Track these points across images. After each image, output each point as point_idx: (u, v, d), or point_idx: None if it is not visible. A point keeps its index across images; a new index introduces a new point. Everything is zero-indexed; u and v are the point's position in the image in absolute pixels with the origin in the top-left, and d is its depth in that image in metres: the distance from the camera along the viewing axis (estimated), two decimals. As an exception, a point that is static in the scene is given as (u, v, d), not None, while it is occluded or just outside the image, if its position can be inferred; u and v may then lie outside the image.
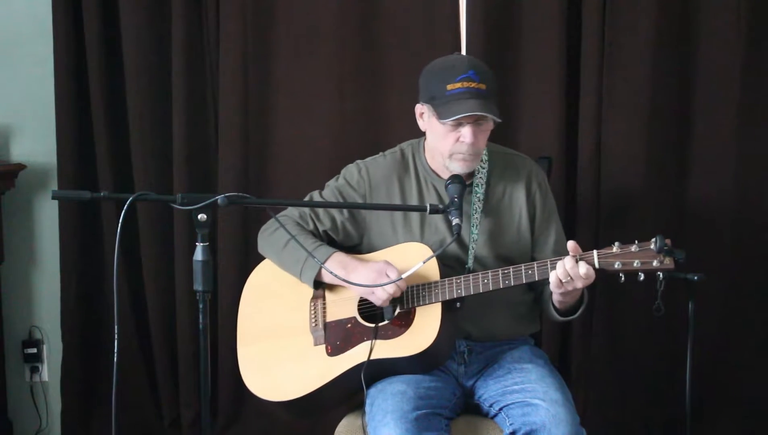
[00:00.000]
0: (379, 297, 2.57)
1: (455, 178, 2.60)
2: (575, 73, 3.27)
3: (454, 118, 2.52)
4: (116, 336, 2.32)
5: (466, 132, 2.55)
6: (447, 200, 2.58)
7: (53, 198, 2.43)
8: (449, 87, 2.54)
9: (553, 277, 2.45)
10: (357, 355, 2.58)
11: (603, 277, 2.48)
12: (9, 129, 3.64)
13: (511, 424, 2.48)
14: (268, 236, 2.78)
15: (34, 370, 3.76)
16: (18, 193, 3.62)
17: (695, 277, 2.67)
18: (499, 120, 2.56)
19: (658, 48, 3.23)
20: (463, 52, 3.33)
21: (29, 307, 3.76)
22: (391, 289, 2.54)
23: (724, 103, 3.24)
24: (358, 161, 2.80)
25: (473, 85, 2.54)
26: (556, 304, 2.61)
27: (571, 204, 3.32)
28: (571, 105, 3.30)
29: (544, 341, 3.19)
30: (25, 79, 3.64)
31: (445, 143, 2.59)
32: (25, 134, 3.66)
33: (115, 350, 2.31)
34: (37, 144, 3.65)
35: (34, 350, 3.75)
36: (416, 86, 2.67)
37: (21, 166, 3.59)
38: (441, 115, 2.55)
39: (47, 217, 3.70)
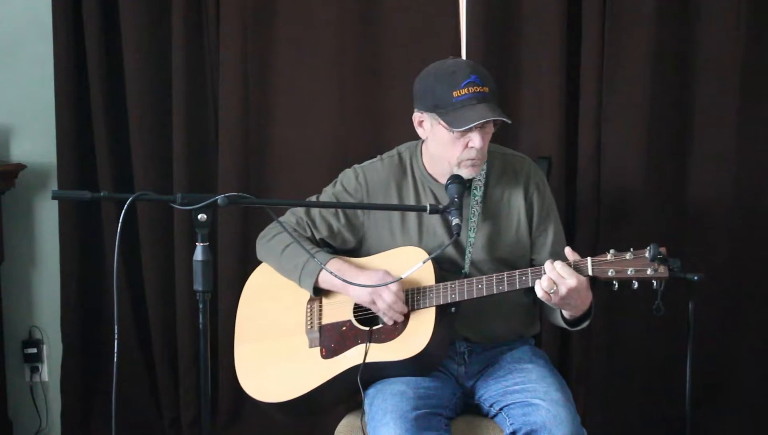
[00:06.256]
0: (381, 308, 2.55)
1: (455, 178, 2.56)
2: (575, 74, 3.27)
3: (470, 126, 2.46)
4: (116, 336, 2.32)
5: (475, 138, 2.51)
6: (445, 203, 2.53)
7: (53, 198, 2.44)
8: (455, 93, 2.47)
9: (539, 291, 2.40)
10: (351, 358, 2.57)
11: (598, 284, 2.46)
12: (9, 129, 3.64)
13: (511, 424, 2.48)
14: (266, 243, 2.77)
15: (34, 370, 3.76)
16: (18, 193, 3.62)
17: (695, 277, 2.65)
18: (510, 122, 2.51)
19: (658, 48, 3.23)
20: (463, 52, 3.33)
21: (29, 307, 3.76)
22: (391, 299, 2.52)
23: (724, 103, 3.24)
24: (356, 166, 2.77)
25: (479, 89, 2.48)
26: (564, 314, 2.58)
27: (571, 204, 3.32)
28: (571, 105, 3.29)
29: (544, 341, 3.19)
30: (25, 79, 3.64)
31: (453, 151, 2.54)
32: (25, 134, 3.66)
33: (115, 350, 2.31)
34: (37, 144, 3.65)
35: (34, 350, 3.74)
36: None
37: (21, 166, 3.59)
38: (452, 124, 2.48)
39: (47, 217, 3.70)
